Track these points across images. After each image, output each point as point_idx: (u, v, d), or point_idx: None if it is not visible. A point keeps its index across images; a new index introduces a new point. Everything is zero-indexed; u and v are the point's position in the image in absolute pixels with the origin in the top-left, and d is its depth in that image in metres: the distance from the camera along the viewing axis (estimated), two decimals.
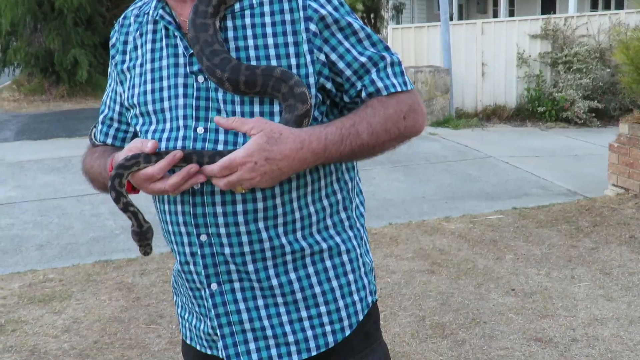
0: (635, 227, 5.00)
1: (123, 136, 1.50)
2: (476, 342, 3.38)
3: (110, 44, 1.49)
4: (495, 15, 19.22)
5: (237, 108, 1.30)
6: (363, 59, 1.31)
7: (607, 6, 16.49)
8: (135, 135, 1.49)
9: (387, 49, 1.34)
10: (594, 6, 16.88)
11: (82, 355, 3.35)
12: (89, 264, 4.61)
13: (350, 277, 1.41)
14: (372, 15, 19.77)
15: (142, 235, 1.25)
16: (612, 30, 9.52)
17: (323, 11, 1.29)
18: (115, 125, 1.50)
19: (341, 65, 1.31)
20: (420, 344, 3.37)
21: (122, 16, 1.48)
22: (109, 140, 1.51)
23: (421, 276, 4.22)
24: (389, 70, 1.32)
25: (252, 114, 1.29)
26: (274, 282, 1.35)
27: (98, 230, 5.33)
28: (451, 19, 10.39)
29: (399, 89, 1.31)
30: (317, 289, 1.38)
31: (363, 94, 1.31)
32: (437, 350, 3.31)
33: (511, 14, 18.25)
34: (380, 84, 1.30)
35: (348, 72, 1.31)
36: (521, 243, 4.76)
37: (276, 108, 1.29)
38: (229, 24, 1.32)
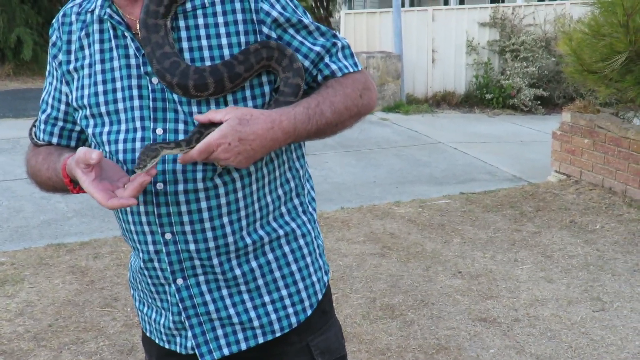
0: (576, 212, 5.22)
1: (69, 134, 1.48)
2: (424, 322, 3.52)
3: (50, 43, 1.44)
4: (446, 2, 19.43)
5: (194, 108, 1.32)
6: (317, 48, 1.38)
7: None
8: (82, 132, 1.47)
9: (334, 36, 1.42)
10: None
11: (37, 339, 3.36)
12: (41, 247, 4.59)
13: (308, 259, 1.49)
14: (324, 0, 19.75)
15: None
16: (556, 21, 9.77)
17: (274, 13, 1.34)
18: (60, 124, 1.46)
19: (299, 58, 1.37)
20: (371, 325, 3.49)
21: (60, 13, 1.43)
22: (54, 140, 1.48)
23: (372, 259, 4.34)
24: (340, 54, 1.41)
25: None
26: (237, 272, 1.41)
27: (49, 213, 5.29)
28: (403, 5, 10.51)
29: (351, 70, 1.40)
30: (277, 274, 1.45)
31: (319, 78, 1.39)
32: (387, 330, 3.44)
33: (461, 1, 18.50)
34: (334, 67, 1.39)
35: (307, 63, 1.38)
36: (468, 227, 4.93)
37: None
38: (182, 23, 1.32)
